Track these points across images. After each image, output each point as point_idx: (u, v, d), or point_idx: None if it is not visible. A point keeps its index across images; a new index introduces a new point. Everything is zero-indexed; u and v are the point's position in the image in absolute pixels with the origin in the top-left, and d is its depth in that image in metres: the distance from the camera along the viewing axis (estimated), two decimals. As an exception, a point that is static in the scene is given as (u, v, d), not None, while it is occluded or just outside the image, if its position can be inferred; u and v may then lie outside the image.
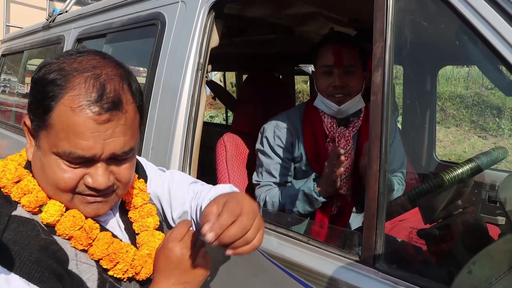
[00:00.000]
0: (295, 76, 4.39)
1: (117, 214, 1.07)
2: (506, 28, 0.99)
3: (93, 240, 0.94)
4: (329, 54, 1.86)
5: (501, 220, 2.57)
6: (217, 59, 4.02)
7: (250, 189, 2.11)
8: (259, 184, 1.98)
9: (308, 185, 1.79)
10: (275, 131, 1.97)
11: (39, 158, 0.91)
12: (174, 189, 1.25)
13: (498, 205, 2.57)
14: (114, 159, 0.92)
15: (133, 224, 1.08)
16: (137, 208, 1.09)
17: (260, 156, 2.00)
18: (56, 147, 0.86)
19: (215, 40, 1.83)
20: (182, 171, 1.80)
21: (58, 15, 3.51)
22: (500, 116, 10.19)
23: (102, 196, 0.93)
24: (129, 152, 0.93)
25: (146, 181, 1.18)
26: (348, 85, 1.85)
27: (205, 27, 1.80)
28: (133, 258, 0.99)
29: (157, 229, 1.10)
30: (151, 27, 2.13)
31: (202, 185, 1.30)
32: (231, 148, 2.04)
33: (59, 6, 5.50)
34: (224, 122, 8.11)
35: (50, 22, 3.51)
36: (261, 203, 1.91)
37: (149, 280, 1.02)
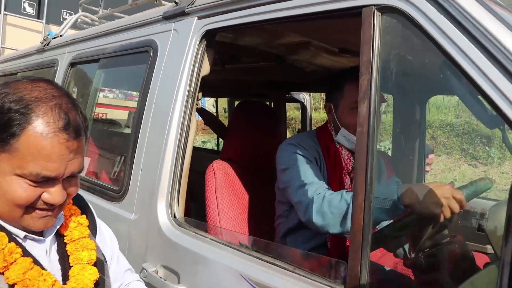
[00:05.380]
0: (287, 103, 4.41)
1: (49, 243, 1.11)
2: (487, 65, 1.01)
3: (10, 264, 0.98)
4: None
5: (491, 249, 2.57)
6: (209, 85, 4.11)
7: (240, 216, 2.11)
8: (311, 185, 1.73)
9: (391, 185, 1.58)
10: (301, 148, 1.85)
11: None
12: (116, 259, 1.34)
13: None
14: (69, 177, 1.02)
15: (70, 257, 1.13)
16: (74, 241, 1.15)
17: (294, 172, 1.79)
18: (22, 168, 0.94)
19: (206, 69, 1.85)
20: (170, 198, 1.80)
21: (53, 38, 3.54)
22: (489, 144, 10.28)
23: (52, 210, 1.02)
24: (82, 170, 1.05)
25: (93, 225, 1.25)
26: None
27: (197, 56, 1.82)
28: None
29: (94, 265, 1.14)
30: (143, 54, 2.16)
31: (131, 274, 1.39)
32: (220, 175, 2.04)
33: (55, 29, 5.54)
34: (216, 148, 8.12)
35: (44, 45, 3.54)
36: (315, 205, 1.65)
37: None
